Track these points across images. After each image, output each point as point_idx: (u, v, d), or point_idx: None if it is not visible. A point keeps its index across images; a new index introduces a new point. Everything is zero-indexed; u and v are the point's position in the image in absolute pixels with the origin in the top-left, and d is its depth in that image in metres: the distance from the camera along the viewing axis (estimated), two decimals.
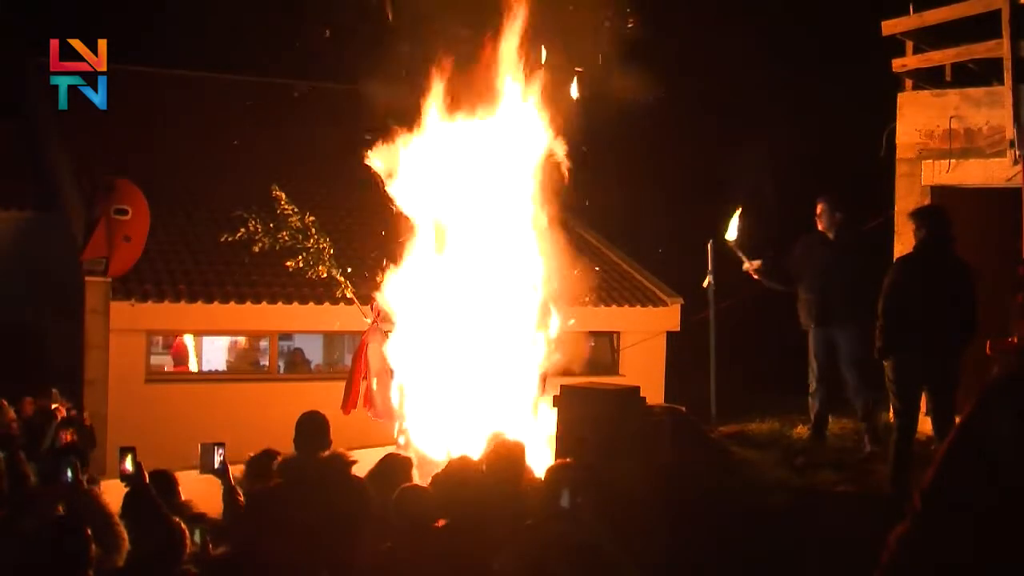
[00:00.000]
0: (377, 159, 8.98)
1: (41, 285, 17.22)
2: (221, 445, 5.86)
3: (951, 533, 1.70)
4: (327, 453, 5.38)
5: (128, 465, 5.08)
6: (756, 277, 9.32)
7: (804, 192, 9.78)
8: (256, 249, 14.98)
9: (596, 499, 4.96)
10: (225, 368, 16.84)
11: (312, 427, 5.54)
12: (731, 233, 9.56)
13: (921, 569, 1.74)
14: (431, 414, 8.75)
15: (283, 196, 14.25)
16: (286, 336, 16.97)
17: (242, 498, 5.70)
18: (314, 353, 17.50)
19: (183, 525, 4.85)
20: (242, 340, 17.03)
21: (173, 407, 14.19)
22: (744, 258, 9.35)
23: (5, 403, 9.41)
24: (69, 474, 5.11)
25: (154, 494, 5.05)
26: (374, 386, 10.36)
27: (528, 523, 4.86)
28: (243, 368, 16.68)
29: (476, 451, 6.45)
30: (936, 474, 1.75)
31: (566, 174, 8.99)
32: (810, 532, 6.58)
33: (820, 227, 8.92)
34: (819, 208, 8.92)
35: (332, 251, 13.88)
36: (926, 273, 7.20)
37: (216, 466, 5.78)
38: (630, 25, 9.26)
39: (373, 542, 4.78)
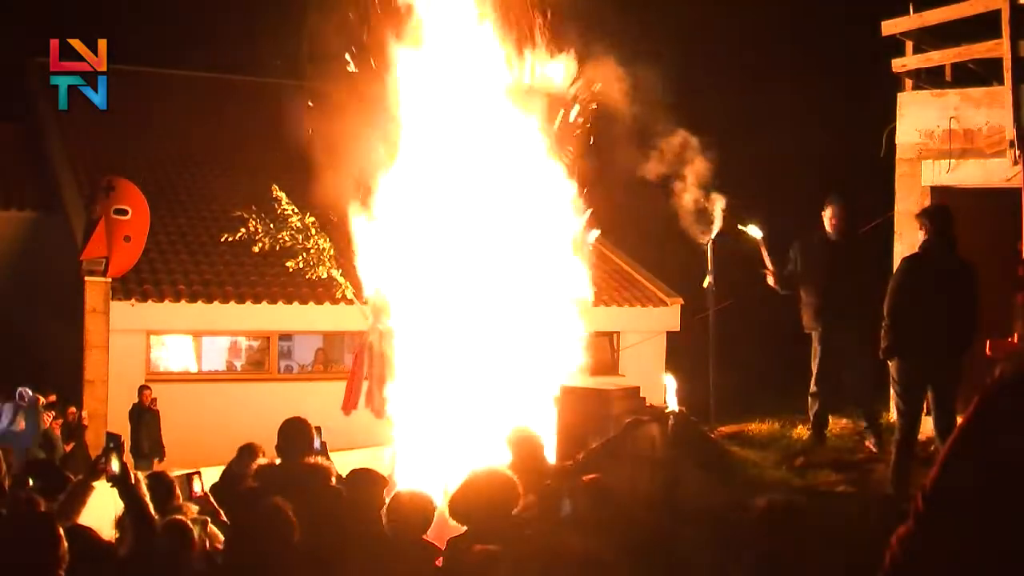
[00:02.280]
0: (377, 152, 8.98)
1: (41, 285, 17.23)
2: (197, 473, 5.88)
3: (954, 534, 1.70)
4: (309, 460, 5.26)
5: (114, 466, 5.02)
6: (771, 282, 9.14)
7: (803, 193, 9.76)
8: (256, 250, 15.00)
9: (598, 507, 4.90)
10: (225, 368, 16.84)
11: (295, 433, 5.41)
12: (754, 230, 9.35)
13: (924, 570, 1.74)
14: (427, 426, 8.70)
15: (283, 197, 14.25)
16: (286, 336, 16.98)
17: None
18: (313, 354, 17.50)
19: (190, 525, 4.85)
20: (241, 340, 17.03)
21: (173, 407, 14.18)
22: (767, 257, 9.13)
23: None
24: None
25: (141, 493, 5.00)
26: (376, 385, 10.35)
27: (527, 533, 4.78)
28: (244, 368, 16.69)
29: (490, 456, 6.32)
30: (939, 475, 1.74)
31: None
32: (810, 532, 6.57)
33: (828, 228, 8.81)
34: (830, 209, 8.73)
35: (332, 251, 13.88)
36: (931, 274, 7.18)
37: (198, 494, 5.85)
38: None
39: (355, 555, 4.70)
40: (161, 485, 5.65)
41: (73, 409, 13.31)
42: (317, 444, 5.80)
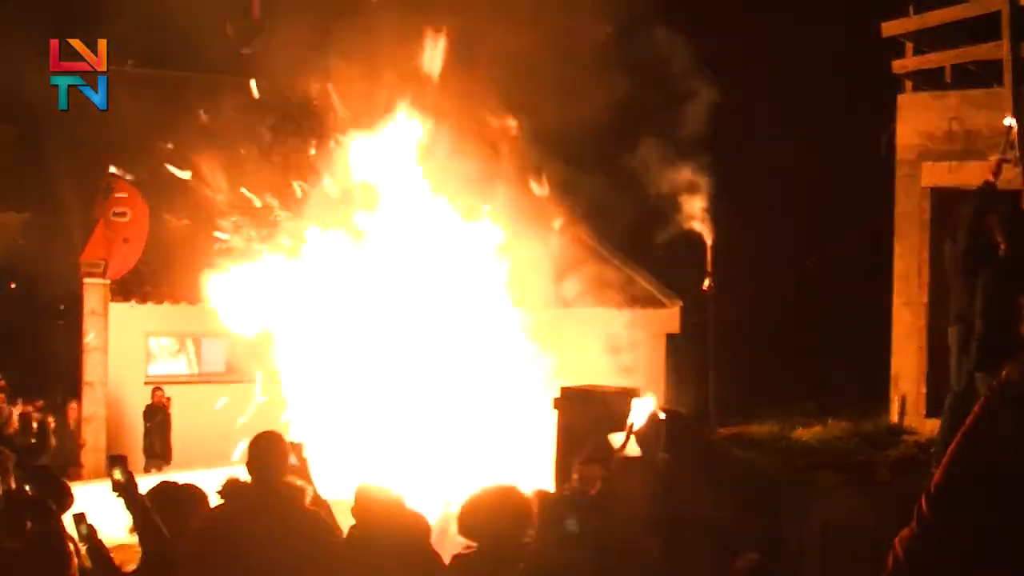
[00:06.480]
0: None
1: (40, 287, 17.21)
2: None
3: (957, 537, 1.69)
4: (281, 480, 4.86)
5: (117, 475, 4.96)
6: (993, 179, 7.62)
7: (804, 196, 9.76)
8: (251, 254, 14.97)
9: (601, 523, 4.80)
10: (224, 369, 16.79)
11: (265, 449, 4.93)
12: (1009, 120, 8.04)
13: (926, 573, 1.73)
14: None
15: (275, 204, 14.29)
16: None
17: None
18: None
19: None
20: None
21: (172, 409, 14.16)
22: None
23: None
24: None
25: (146, 503, 4.93)
26: None
27: (529, 544, 4.65)
28: (244, 370, 16.64)
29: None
30: (942, 477, 1.73)
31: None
32: (810, 533, 6.57)
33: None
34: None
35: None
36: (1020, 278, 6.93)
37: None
38: None
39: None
40: (163, 496, 5.56)
41: (36, 409, 12.87)
42: (293, 461, 5.44)
